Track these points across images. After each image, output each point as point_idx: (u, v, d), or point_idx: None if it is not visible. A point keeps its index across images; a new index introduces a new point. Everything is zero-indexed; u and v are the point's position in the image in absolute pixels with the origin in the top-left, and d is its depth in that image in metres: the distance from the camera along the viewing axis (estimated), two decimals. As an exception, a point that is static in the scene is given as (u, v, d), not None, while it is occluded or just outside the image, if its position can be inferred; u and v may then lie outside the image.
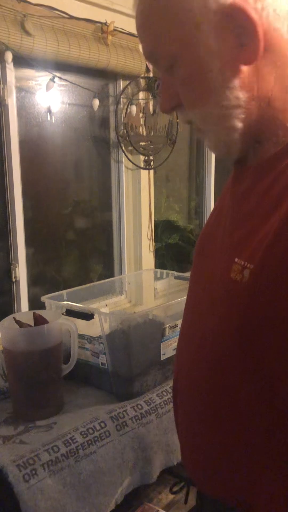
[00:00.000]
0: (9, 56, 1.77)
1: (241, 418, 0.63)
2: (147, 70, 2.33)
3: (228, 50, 0.58)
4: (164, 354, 1.46)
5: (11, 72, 1.89)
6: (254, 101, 0.60)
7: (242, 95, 0.59)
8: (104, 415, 1.26)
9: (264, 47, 0.57)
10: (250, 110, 0.60)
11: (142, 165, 2.47)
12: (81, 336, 1.44)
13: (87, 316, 1.40)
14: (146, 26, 0.63)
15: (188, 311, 0.77)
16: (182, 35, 0.59)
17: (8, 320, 1.34)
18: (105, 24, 2.12)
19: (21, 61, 1.87)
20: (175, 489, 1.05)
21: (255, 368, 0.59)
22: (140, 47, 0.66)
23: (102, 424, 1.23)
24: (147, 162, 2.48)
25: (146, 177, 2.53)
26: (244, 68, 0.58)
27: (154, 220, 2.62)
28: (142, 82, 2.39)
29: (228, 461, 0.66)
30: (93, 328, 1.42)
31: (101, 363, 1.43)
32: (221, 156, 0.67)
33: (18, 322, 1.34)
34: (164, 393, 1.40)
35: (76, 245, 2.40)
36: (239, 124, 0.61)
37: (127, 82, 2.36)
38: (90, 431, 1.21)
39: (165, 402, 1.37)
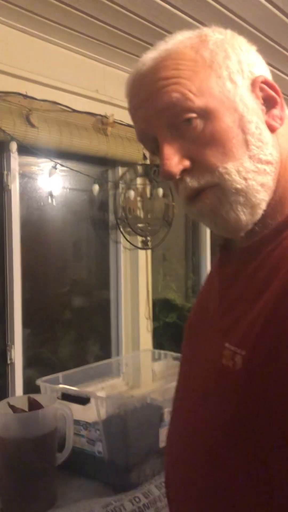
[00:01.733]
0: (13, 146, 1.87)
1: (238, 509, 0.58)
2: (144, 158, 2.46)
3: (260, 110, 0.61)
4: (163, 440, 1.40)
5: (15, 160, 1.99)
6: (278, 164, 0.61)
7: (274, 153, 0.60)
8: (99, 510, 1.19)
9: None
10: (276, 172, 0.60)
11: (139, 245, 2.53)
12: (76, 422, 1.39)
13: (83, 400, 1.36)
14: (174, 76, 0.59)
15: (178, 398, 0.73)
16: (218, 89, 0.59)
17: (1, 405, 1.30)
18: (105, 116, 2.27)
19: (25, 149, 1.98)
20: None
21: (251, 461, 0.56)
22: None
23: (97, 520, 1.16)
24: (144, 242, 2.54)
25: (143, 257, 2.58)
26: (277, 127, 0.61)
27: (152, 299, 2.63)
28: (140, 168, 2.52)
29: None
30: (89, 413, 1.38)
31: (97, 451, 1.37)
32: (228, 230, 0.62)
33: (12, 407, 1.30)
34: (163, 485, 1.32)
35: (73, 325, 2.39)
36: (271, 182, 0.60)
37: (126, 168, 2.48)
38: (84, 528, 1.13)
39: (164, 495, 1.30)
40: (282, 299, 0.54)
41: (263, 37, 2.07)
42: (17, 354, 1.99)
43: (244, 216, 0.60)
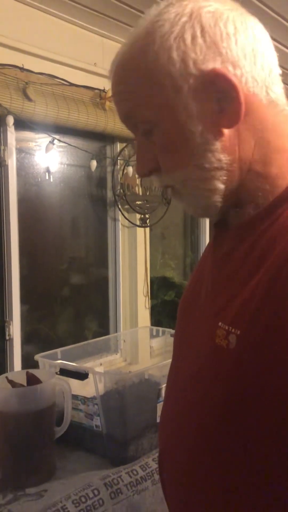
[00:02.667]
0: (10, 120, 1.84)
1: (230, 493, 0.58)
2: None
3: (209, 114, 0.58)
4: (160, 415, 1.42)
5: (11, 134, 1.96)
6: (235, 164, 0.60)
7: (224, 158, 0.59)
8: (97, 482, 1.21)
9: (244, 112, 0.58)
10: (232, 173, 0.60)
11: (138, 223, 2.52)
12: (74, 397, 1.40)
13: (82, 375, 1.37)
14: (124, 91, 0.62)
15: (172, 377, 0.73)
16: (161, 100, 0.59)
17: (0, 379, 1.31)
18: (103, 90, 2.23)
19: (22, 124, 1.95)
20: None
21: (243, 442, 0.55)
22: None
23: (96, 492, 1.18)
24: (143, 220, 2.53)
25: (142, 235, 2.57)
26: (226, 131, 0.59)
27: (150, 277, 2.63)
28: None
29: None
30: (87, 388, 1.39)
31: (95, 425, 1.38)
32: (199, 217, 0.68)
33: (10, 381, 1.30)
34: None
35: (71, 302, 2.39)
36: (221, 186, 0.61)
37: (124, 144, 2.45)
38: (83, 499, 1.15)
39: (161, 468, 1.32)
40: (279, 275, 0.52)
41: (266, 9, 2.02)
42: (15, 330, 1.99)
43: (202, 213, 0.66)
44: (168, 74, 0.58)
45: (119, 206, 2.46)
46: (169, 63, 0.57)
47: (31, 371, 1.35)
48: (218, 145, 0.59)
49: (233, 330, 0.56)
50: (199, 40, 0.57)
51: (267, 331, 0.52)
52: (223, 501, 0.59)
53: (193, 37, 0.57)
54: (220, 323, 0.58)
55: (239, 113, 0.58)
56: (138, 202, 2.49)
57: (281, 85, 0.62)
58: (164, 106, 0.59)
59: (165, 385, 1.43)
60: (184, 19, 0.57)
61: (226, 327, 0.57)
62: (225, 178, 0.60)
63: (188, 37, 0.57)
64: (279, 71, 0.61)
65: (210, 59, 0.57)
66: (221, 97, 0.58)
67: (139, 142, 0.64)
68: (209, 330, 0.60)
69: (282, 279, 0.52)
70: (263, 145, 0.60)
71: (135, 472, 1.27)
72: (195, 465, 0.62)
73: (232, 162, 0.60)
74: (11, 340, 1.99)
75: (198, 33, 0.57)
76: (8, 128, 1.91)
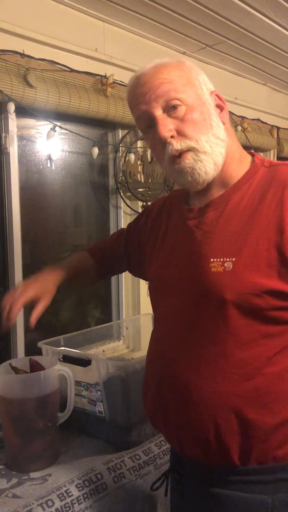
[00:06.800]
0: (11, 107, 1.83)
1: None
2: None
3: (215, 110, 0.95)
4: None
5: (13, 121, 1.95)
6: (226, 146, 0.94)
7: (225, 137, 0.95)
8: (100, 466, 1.22)
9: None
10: (225, 151, 0.94)
11: (140, 210, 2.51)
12: (77, 383, 1.41)
13: (84, 362, 1.38)
14: (166, 78, 0.92)
15: (159, 322, 1.05)
16: (194, 91, 0.93)
17: (3, 366, 1.32)
18: (105, 77, 2.21)
19: (23, 111, 1.93)
20: (155, 486, 1.06)
21: (215, 320, 0.89)
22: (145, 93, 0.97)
23: (99, 476, 1.19)
24: (145, 208, 2.52)
25: (144, 222, 2.56)
26: (225, 123, 0.96)
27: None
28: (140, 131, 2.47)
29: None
30: (90, 374, 1.40)
31: (98, 411, 1.40)
32: (194, 182, 0.94)
33: (14, 368, 1.32)
34: (163, 443, 1.36)
35: (74, 289, 2.40)
36: (223, 151, 0.94)
37: (126, 131, 2.43)
38: (86, 483, 1.17)
39: (163, 452, 1.33)
40: (259, 214, 0.88)
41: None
42: (18, 317, 1.99)
43: (211, 170, 0.93)
44: (197, 79, 0.95)
45: (121, 194, 2.45)
46: (196, 74, 0.96)
47: (35, 357, 1.36)
48: (222, 126, 0.95)
49: (228, 259, 0.88)
50: (204, 75, 0.97)
51: (252, 255, 0.86)
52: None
53: (200, 71, 0.97)
54: (212, 259, 0.89)
55: (227, 115, 0.97)
56: (140, 189, 2.48)
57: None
58: (196, 95, 0.93)
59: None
60: (194, 64, 0.98)
61: (220, 259, 0.88)
62: (224, 149, 0.94)
63: (199, 70, 0.97)
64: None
65: (210, 86, 0.97)
66: (218, 106, 0.96)
67: (162, 116, 0.92)
68: (200, 269, 0.90)
69: (262, 214, 0.88)
70: (232, 143, 0.96)
71: (137, 457, 1.29)
72: (176, 337, 0.96)
73: (227, 143, 0.95)
74: (14, 327, 2.00)
75: (201, 72, 0.97)
76: (9, 115, 1.90)
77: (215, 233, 0.93)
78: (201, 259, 0.91)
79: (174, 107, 0.90)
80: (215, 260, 0.88)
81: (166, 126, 0.90)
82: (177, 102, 0.90)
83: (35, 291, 1.14)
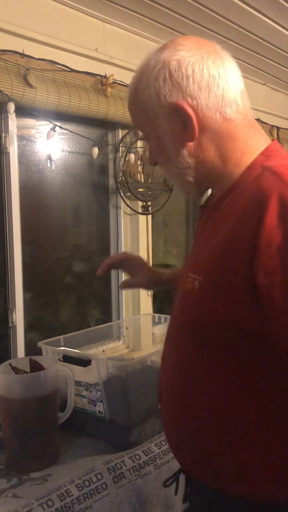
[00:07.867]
0: (11, 107, 1.83)
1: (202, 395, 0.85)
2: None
3: (177, 131, 0.84)
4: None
5: (13, 121, 1.95)
6: (200, 164, 0.86)
7: (190, 161, 0.86)
8: (100, 466, 1.22)
9: (200, 129, 0.83)
10: (199, 170, 0.87)
11: (140, 210, 2.51)
12: (77, 383, 1.41)
13: (84, 362, 1.38)
14: (129, 111, 0.92)
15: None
16: (149, 121, 0.87)
17: (3, 366, 1.32)
18: (105, 76, 2.21)
19: (23, 111, 1.93)
20: (167, 483, 1.06)
21: (205, 351, 0.82)
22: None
23: (99, 476, 1.19)
24: (145, 208, 2.52)
25: (144, 222, 2.56)
26: (190, 143, 0.84)
27: (152, 264, 2.63)
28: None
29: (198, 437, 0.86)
30: (90, 374, 1.40)
31: (98, 411, 1.40)
32: (187, 196, 0.95)
33: (14, 368, 1.32)
34: (163, 443, 1.36)
35: (73, 289, 2.40)
36: (190, 179, 0.88)
37: (126, 131, 2.43)
38: (86, 483, 1.17)
39: (163, 452, 1.33)
40: (225, 233, 0.79)
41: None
42: (18, 317, 2.00)
43: (185, 194, 0.94)
44: (151, 105, 0.85)
45: (121, 194, 2.45)
46: (150, 97, 0.84)
47: (35, 357, 1.36)
48: (185, 152, 0.85)
49: (197, 277, 0.82)
50: (168, 81, 0.82)
51: (216, 275, 0.78)
52: (198, 399, 0.85)
53: (164, 79, 0.82)
54: (189, 274, 0.84)
55: (194, 132, 0.83)
56: (140, 189, 2.48)
57: (239, 103, 0.84)
58: (152, 125, 0.87)
59: (167, 371, 1.43)
60: (159, 66, 0.83)
61: (193, 276, 0.83)
62: (193, 174, 0.87)
63: (160, 79, 0.83)
64: (235, 94, 0.84)
65: (174, 94, 0.82)
66: (183, 120, 0.83)
67: (149, 144, 0.93)
68: (183, 281, 0.86)
69: (227, 236, 0.78)
70: (222, 149, 0.85)
71: (137, 457, 1.29)
72: (171, 369, 0.92)
73: (197, 163, 0.86)
74: (14, 327, 2.00)
75: (167, 76, 0.82)
76: (9, 115, 1.90)
77: (197, 244, 0.91)
78: (186, 270, 0.88)
79: (149, 138, 0.91)
80: (190, 275, 0.83)
81: (150, 155, 0.94)
82: (144, 136, 0.92)
83: (130, 264, 1.26)
